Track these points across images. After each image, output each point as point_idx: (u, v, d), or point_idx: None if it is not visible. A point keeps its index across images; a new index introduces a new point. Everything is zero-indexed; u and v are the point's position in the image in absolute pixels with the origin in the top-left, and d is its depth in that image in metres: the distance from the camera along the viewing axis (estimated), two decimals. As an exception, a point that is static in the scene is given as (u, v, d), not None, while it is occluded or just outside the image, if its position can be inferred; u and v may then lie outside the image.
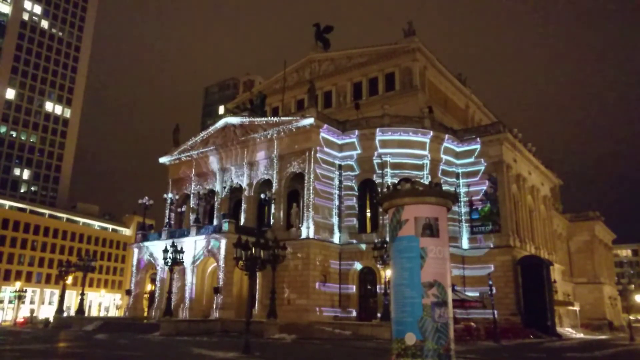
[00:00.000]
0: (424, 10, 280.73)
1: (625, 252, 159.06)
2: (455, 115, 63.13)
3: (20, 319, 50.00)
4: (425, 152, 47.19)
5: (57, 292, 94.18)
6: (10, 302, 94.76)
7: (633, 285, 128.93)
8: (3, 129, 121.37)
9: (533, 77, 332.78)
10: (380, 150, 46.56)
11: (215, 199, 51.15)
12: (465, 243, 47.47)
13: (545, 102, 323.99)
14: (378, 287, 42.93)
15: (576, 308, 63.48)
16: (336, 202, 46.51)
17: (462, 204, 48.33)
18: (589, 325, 68.75)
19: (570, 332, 53.67)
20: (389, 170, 45.61)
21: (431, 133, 47.59)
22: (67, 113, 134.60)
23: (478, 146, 49.18)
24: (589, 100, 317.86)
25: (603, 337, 54.92)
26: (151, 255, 47.58)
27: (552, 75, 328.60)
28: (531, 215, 55.79)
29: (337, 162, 47.57)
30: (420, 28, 58.56)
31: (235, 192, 49.56)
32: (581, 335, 53.71)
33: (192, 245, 43.30)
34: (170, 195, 51.01)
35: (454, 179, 49.07)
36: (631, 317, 54.31)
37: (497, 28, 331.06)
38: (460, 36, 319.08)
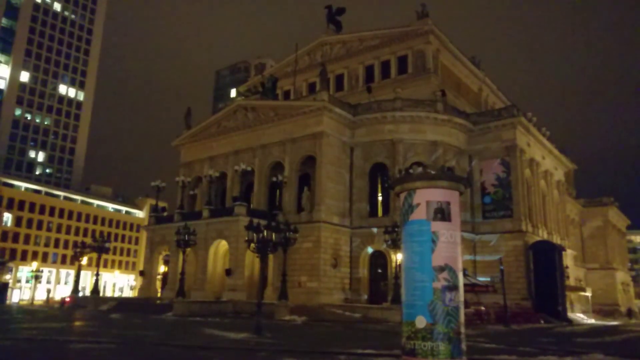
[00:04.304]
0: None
1: (639, 238, 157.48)
2: (469, 99, 62.39)
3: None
4: (438, 136, 46.81)
5: (72, 272, 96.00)
6: (27, 281, 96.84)
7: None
8: (18, 112, 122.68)
9: (548, 60, 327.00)
10: (392, 134, 46.29)
11: (227, 182, 51.39)
12: (477, 227, 47.27)
13: (560, 85, 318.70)
14: (389, 270, 43.08)
15: (588, 294, 63.21)
16: (347, 186, 46.49)
17: (474, 188, 48.00)
18: (601, 310, 68.50)
19: (581, 317, 53.54)
20: (400, 154, 45.39)
21: (444, 117, 47.14)
22: (81, 96, 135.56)
23: (491, 130, 48.66)
24: (604, 84, 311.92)
25: (614, 322, 54.70)
26: (164, 237, 48.11)
27: (568, 57, 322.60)
28: (544, 200, 55.31)
29: (348, 145, 47.43)
30: (433, 10, 57.56)
31: (247, 175, 49.68)
32: (592, 321, 53.57)
33: (204, 227, 43.70)
34: (182, 178, 51.31)
35: (466, 163, 48.70)
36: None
37: (511, 10, 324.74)
38: (474, 18, 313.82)
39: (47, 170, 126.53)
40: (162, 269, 52.70)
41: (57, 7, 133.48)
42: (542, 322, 40.59)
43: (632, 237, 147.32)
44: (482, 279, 43.42)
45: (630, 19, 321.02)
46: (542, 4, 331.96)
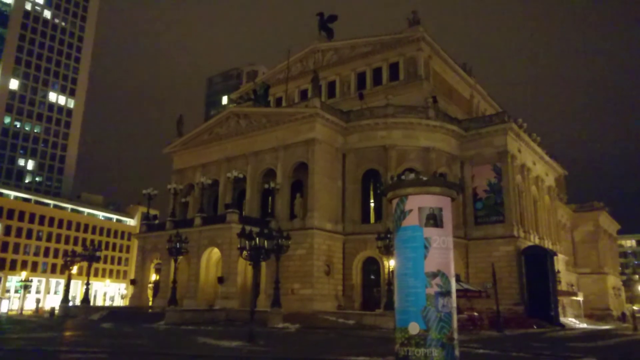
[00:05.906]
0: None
1: (629, 243, 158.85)
2: (460, 105, 62.77)
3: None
4: (430, 142, 47.03)
5: (62, 281, 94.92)
6: (16, 291, 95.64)
7: (637, 276, 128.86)
8: (7, 120, 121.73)
9: (538, 66, 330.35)
10: (385, 140, 46.44)
11: (219, 189, 51.20)
12: (469, 233, 47.41)
13: (550, 91, 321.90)
14: (382, 277, 43.03)
15: (580, 298, 63.51)
16: (340, 192, 46.49)
17: (466, 194, 48.18)
18: (593, 315, 68.82)
19: (573, 322, 53.74)
20: (393, 160, 45.50)
21: (436, 123, 47.38)
22: (71, 103, 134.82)
23: (482, 136, 48.97)
24: (594, 89, 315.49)
25: (607, 327, 55.00)
26: (155, 245, 47.77)
27: (558, 63, 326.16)
28: (535, 206, 55.64)
29: (340, 152, 47.49)
30: (425, 17, 57.97)
31: (239, 182, 49.62)
32: (584, 325, 53.79)
33: (196, 235, 43.45)
34: (174, 185, 51.04)
35: (458, 169, 48.93)
36: (635, 307, 54.34)
37: (502, 17, 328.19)
38: (466, 25, 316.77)
39: (37, 179, 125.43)
40: (154, 277, 52.22)
41: (47, 14, 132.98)
42: (534, 327, 40.67)
43: (623, 242, 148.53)
44: (475, 284, 43.47)
45: (622, 24, 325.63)
46: (532, 11, 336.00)
